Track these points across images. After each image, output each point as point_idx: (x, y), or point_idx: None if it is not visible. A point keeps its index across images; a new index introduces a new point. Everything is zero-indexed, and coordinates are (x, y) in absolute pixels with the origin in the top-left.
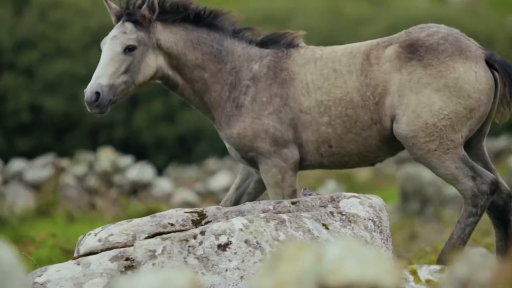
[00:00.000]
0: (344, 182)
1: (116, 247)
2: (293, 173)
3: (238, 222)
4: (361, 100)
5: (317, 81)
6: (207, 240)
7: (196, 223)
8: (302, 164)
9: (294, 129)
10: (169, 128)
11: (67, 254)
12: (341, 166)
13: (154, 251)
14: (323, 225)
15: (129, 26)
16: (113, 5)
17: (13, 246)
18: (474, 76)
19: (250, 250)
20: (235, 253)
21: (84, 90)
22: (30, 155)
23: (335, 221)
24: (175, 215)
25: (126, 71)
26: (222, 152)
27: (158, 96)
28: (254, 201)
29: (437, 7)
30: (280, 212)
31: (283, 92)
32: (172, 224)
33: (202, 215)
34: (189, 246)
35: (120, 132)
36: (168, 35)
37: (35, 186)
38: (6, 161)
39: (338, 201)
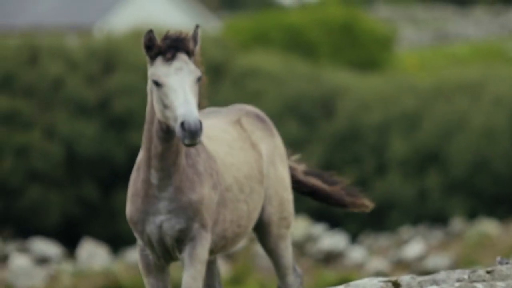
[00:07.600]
0: None
1: None
2: None
3: None
4: (258, 175)
5: (226, 158)
6: None
7: None
8: None
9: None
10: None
11: None
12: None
13: None
14: None
15: (184, 57)
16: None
17: None
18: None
19: None
20: None
21: (181, 121)
22: None
23: None
24: (369, 284)
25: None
26: (415, 220)
27: (351, 163)
28: (449, 270)
29: None
30: (474, 281)
31: (215, 167)
32: None
33: (396, 284)
34: None
35: (312, 201)
36: None
37: (230, 256)
38: None
39: None
